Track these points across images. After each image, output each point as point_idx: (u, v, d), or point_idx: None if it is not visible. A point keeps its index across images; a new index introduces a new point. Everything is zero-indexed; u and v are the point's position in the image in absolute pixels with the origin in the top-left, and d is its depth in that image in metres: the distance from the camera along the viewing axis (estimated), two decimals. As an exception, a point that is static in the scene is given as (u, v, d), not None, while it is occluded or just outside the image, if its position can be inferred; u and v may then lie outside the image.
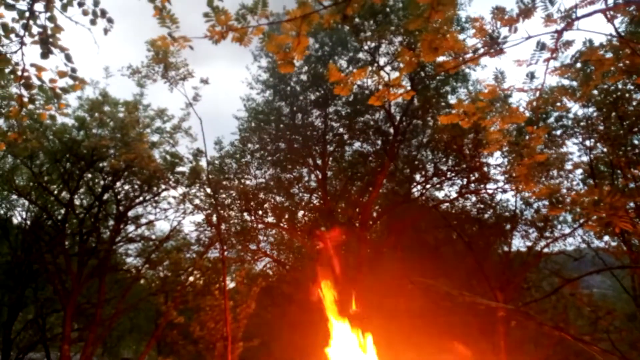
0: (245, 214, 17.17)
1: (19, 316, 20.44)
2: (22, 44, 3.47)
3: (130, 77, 11.65)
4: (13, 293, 18.55)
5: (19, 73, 3.59)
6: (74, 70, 3.75)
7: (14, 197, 18.39)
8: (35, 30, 3.45)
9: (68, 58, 3.67)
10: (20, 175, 16.96)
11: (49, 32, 3.46)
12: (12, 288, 18.48)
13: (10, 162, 16.88)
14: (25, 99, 3.74)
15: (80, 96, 14.44)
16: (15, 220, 19.81)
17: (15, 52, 3.47)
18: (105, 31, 3.62)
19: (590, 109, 12.56)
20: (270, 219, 17.96)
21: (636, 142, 11.56)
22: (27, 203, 17.79)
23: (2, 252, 19.17)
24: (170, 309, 13.94)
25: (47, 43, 3.46)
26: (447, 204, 18.15)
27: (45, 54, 3.51)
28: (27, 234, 18.21)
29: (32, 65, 3.66)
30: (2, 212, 19.21)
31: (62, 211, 16.34)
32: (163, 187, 15.91)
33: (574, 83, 10.75)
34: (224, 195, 16.45)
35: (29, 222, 18.54)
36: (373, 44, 15.40)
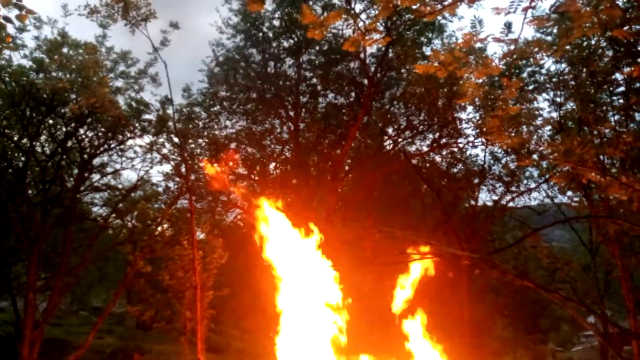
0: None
1: (-19, 265, 20.02)
2: (-43, -37, 3.08)
3: (89, 17, 10.89)
4: (-25, 242, 18.05)
5: (-45, -3, 3.22)
6: (18, -3, 3.40)
7: (-29, 143, 17.54)
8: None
9: (11, -17, 3.31)
10: (-24, 120, 16.09)
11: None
12: (-27, 237, 17.96)
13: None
14: (-36, 28, 3.39)
15: (38, 36, 13.54)
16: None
17: (-52, -29, 3.08)
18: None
19: (563, 65, 12.59)
20: (242, 171, 17.77)
21: (605, 98, 11.71)
22: (-15, 150, 17.01)
23: (-40, 200, 18.45)
24: (137, 258, 13.82)
25: (-15, -36, 3.09)
26: (418, 158, 18.29)
27: (-16, -23, 3.15)
28: (-14, 181, 17.53)
29: (-31, -11, 3.28)
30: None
31: (23, 159, 15.67)
32: (129, 135, 15.38)
33: (549, 38, 10.70)
34: (192, 145, 16.08)
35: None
36: (349, -10, 14.87)
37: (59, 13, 12.76)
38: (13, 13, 3.70)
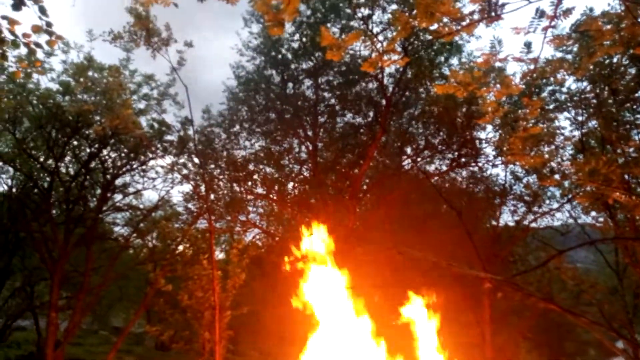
0: (234, 184, 17.03)
1: (6, 284, 20.37)
2: (-9, -7, 3.24)
3: (112, 43, 11.25)
4: (0, 261, 18.42)
5: (-11, 26, 3.37)
6: (49, 24, 3.53)
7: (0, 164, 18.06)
8: (5, -22, 3.21)
9: (42, 11, 3.44)
10: (5, 142, 16.57)
11: (21, -19, 3.23)
12: (-1, 256, 18.35)
13: (-7, 128, 16.48)
14: (-3, 54, 3.53)
15: (65, 60, 14.01)
16: (0, 188, 19.53)
17: (-16, 1, 3.24)
18: (82, -18, 3.38)
19: (584, 83, 12.45)
20: (260, 190, 17.86)
21: (628, 116, 11.50)
22: (12, 170, 17.47)
23: (-13, 219, 18.92)
24: (158, 277, 13.91)
25: (19, -7, 3.23)
26: (437, 178, 18.15)
27: (17, 6, 3.29)
28: (13, 202, 17.95)
29: (3, 17, 3.43)
30: (-14, 179, 18.87)
31: (48, 179, 16.05)
32: (150, 155, 15.65)
33: (569, 56, 10.61)
34: (212, 166, 16.25)
35: (14, 190, 18.26)
36: (367, 11, 15.04)
37: (85, 38, 13.20)
38: (43, 39, 3.85)
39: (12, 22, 3.46)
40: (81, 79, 13.09)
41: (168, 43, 11.19)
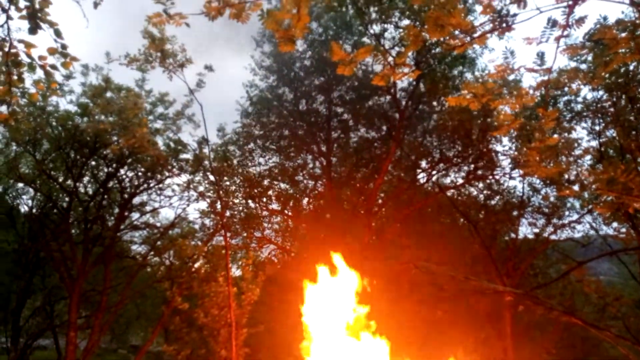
0: (249, 201, 17.09)
1: (27, 303, 20.63)
2: (9, 17, 3.33)
3: (128, 66, 11.48)
4: (21, 280, 18.69)
5: (7, 49, 3.46)
6: (64, 46, 3.61)
7: (20, 185, 18.43)
8: (22, 4, 3.31)
9: (57, 34, 3.53)
10: (25, 163, 16.93)
11: (37, 6, 3.32)
12: (20, 276, 18.62)
13: (14, 149, 16.86)
14: (14, 77, 3.62)
15: (84, 82, 14.34)
16: (22, 209, 19.91)
17: (1, 25, 3.33)
18: (95, 4, 3.47)
19: (600, 92, 12.29)
20: (275, 206, 17.88)
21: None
22: (32, 191, 17.82)
23: (9, 240, 19.26)
24: (175, 295, 13.94)
25: (35, 18, 3.32)
26: (453, 191, 17.98)
27: (33, 29, 3.37)
28: (33, 222, 18.27)
29: (20, 41, 3.53)
30: (9, 200, 19.27)
31: (67, 199, 16.32)
32: (167, 174, 15.82)
33: (583, 66, 10.50)
34: (227, 183, 16.35)
35: (35, 211, 18.59)
36: (378, 28, 15.13)
37: (103, 59, 13.51)
38: (59, 61, 3.94)
39: (28, 45, 3.56)
40: (99, 101, 13.35)
41: (183, 65, 11.38)
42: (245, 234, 17.04)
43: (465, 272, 14.86)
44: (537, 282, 17.30)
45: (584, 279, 15.94)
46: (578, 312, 16.38)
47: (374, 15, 14.52)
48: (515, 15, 5.05)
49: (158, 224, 17.82)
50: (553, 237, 16.67)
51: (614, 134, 12.10)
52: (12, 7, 3.29)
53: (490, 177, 16.74)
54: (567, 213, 16.32)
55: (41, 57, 3.64)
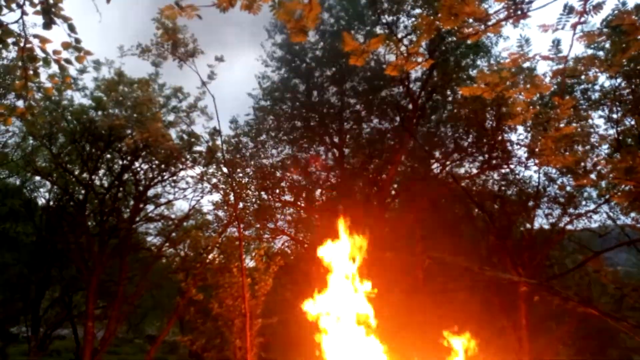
0: (262, 192, 17.15)
1: (46, 294, 21.05)
2: (24, 13, 3.36)
3: (141, 56, 11.53)
4: (39, 272, 19.05)
5: (22, 45, 3.50)
6: (77, 40, 3.64)
7: (37, 178, 18.74)
8: (36, -1, 3.33)
9: (71, 28, 3.55)
10: (42, 157, 17.19)
11: (51, 1, 3.35)
12: (38, 267, 18.98)
13: (31, 143, 17.13)
14: (30, 72, 3.66)
15: (97, 77, 14.46)
16: (39, 202, 20.26)
17: (17, 21, 3.36)
18: (108, -1, 3.48)
19: (618, 80, 12.03)
20: (288, 198, 17.92)
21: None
22: (49, 184, 18.10)
23: (27, 232, 19.62)
24: (190, 286, 14.10)
25: (49, 13, 3.34)
26: (467, 181, 17.83)
27: (47, 24, 3.40)
28: (50, 214, 18.58)
29: (35, 36, 3.56)
30: (26, 193, 19.61)
31: (83, 192, 16.55)
32: (181, 166, 15.94)
33: (601, 53, 10.27)
34: (240, 174, 16.42)
35: (52, 203, 18.90)
36: (391, 17, 14.98)
37: (116, 54, 13.57)
38: (73, 55, 3.97)
39: (43, 40, 3.59)
40: (112, 94, 13.46)
41: (194, 54, 11.38)
42: (258, 225, 17.12)
43: (480, 263, 14.77)
44: (553, 273, 17.14)
45: (601, 269, 15.75)
46: (595, 303, 16.21)
47: (386, 5, 14.36)
48: (530, 2, 4.95)
49: (173, 216, 18.02)
50: (569, 227, 16.46)
51: (632, 122, 11.87)
52: (27, 3, 3.32)
53: (505, 166, 16.55)
54: (583, 203, 16.08)
55: (55, 52, 3.67)
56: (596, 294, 17.51)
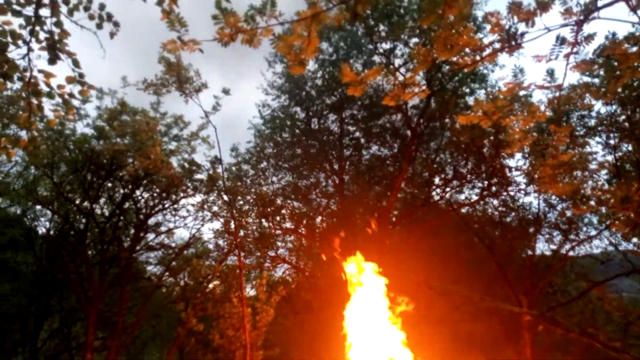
0: (262, 220, 17.13)
1: (44, 325, 20.77)
2: (30, 49, 3.46)
3: (146, 91, 11.77)
4: (39, 302, 18.86)
5: (27, 80, 3.59)
6: (81, 75, 3.74)
7: (39, 207, 18.77)
8: (42, 36, 3.44)
9: (75, 63, 3.65)
10: (43, 186, 17.27)
11: (56, 37, 3.45)
12: (38, 297, 18.80)
13: (33, 173, 17.23)
14: (34, 105, 3.74)
15: (99, 106, 14.67)
16: (40, 231, 20.23)
17: (23, 57, 3.46)
18: (112, 35, 3.59)
19: (614, 106, 12.18)
20: (288, 225, 17.89)
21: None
22: (50, 213, 18.11)
23: (27, 262, 19.52)
24: (190, 316, 13.95)
25: (54, 49, 3.45)
26: (468, 207, 17.82)
27: (52, 60, 3.50)
28: (51, 243, 18.52)
29: (40, 71, 3.66)
30: (27, 222, 19.60)
31: (84, 220, 16.55)
32: (182, 194, 15.99)
33: (596, 80, 10.43)
34: (241, 202, 16.45)
35: (52, 232, 18.87)
36: (388, 46, 15.27)
37: (120, 83, 13.82)
38: (76, 89, 4.06)
39: (47, 75, 3.69)
40: (114, 123, 13.64)
41: (200, 89, 11.65)
42: (259, 253, 17.05)
43: (481, 290, 14.63)
44: (556, 300, 16.92)
45: (604, 297, 15.59)
46: (600, 331, 15.96)
47: (382, 34, 14.65)
48: (523, 33, 5.07)
49: (173, 245, 17.98)
50: (571, 253, 16.35)
51: (630, 148, 11.95)
52: (33, 39, 3.42)
53: (505, 193, 16.57)
54: (584, 229, 16.02)
55: (60, 86, 3.77)
56: (601, 321, 17.24)
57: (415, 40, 14.61)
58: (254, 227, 17.06)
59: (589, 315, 16.37)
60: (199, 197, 15.78)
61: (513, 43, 5.13)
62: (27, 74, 3.56)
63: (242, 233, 15.86)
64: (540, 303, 16.31)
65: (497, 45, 5.28)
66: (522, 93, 6.92)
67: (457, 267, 16.47)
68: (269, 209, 17.11)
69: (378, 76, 6.01)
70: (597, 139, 12.97)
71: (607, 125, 12.47)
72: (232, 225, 15.00)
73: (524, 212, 16.94)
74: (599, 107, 12.71)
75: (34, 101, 3.70)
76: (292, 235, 18.50)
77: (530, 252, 16.87)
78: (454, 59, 5.63)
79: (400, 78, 5.79)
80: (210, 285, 15.70)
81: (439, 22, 5.03)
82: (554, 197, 15.37)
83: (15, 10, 3.29)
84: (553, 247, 16.57)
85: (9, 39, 3.39)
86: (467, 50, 5.38)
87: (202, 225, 17.33)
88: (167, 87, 11.56)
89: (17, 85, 3.93)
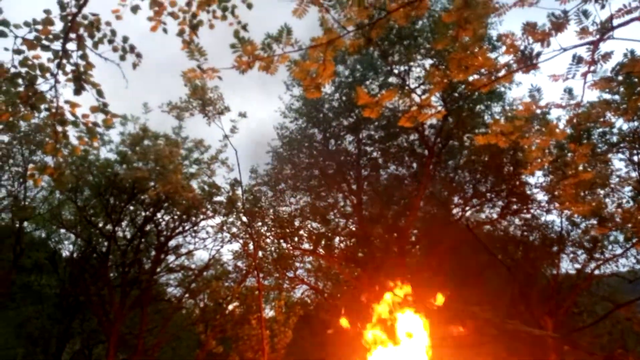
0: (281, 241, 17.16)
1: (66, 347, 20.96)
2: (56, 81, 3.62)
3: (170, 113, 12.07)
4: (61, 324, 19.08)
5: (54, 110, 3.75)
6: (105, 105, 3.88)
7: (62, 231, 19.14)
8: (68, 68, 3.60)
9: (100, 94, 3.80)
10: (67, 209, 17.65)
11: (82, 69, 3.60)
12: (60, 320, 19.03)
13: (57, 197, 17.64)
14: (60, 134, 3.89)
15: (122, 132, 15.02)
16: (63, 254, 20.60)
17: (50, 89, 3.62)
18: (134, 65, 3.73)
19: (636, 122, 11.99)
20: (307, 246, 17.86)
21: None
22: (73, 237, 18.46)
23: (51, 284, 19.84)
24: (209, 338, 13.94)
25: (79, 80, 3.60)
26: (489, 227, 17.57)
27: (78, 91, 3.65)
28: (74, 266, 18.81)
29: (66, 102, 3.81)
30: (51, 245, 19.98)
31: (106, 243, 16.81)
32: (201, 216, 16.16)
33: (617, 97, 10.30)
34: (260, 223, 16.52)
35: (75, 255, 19.19)
36: (403, 68, 15.37)
37: (141, 110, 14.18)
38: (100, 118, 4.21)
39: (73, 105, 3.84)
40: (137, 148, 13.94)
41: (222, 112, 11.92)
42: (277, 275, 17.03)
43: (504, 311, 14.30)
44: (582, 321, 16.44)
45: (633, 317, 15.09)
46: (630, 353, 15.40)
47: (397, 57, 14.78)
48: (539, 54, 5.07)
49: (193, 266, 18.09)
50: (597, 272, 15.93)
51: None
52: (59, 72, 3.58)
53: (526, 211, 16.32)
54: (610, 247, 15.62)
55: (84, 115, 3.91)
56: (631, 343, 16.66)
57: (430, 61, 14.70)
58: (273, 248, 17.10)
59: (618, 336, 15.84)
60: (218, 219, 15.93)
61: (529, 63, 5.14)
62: (54, 104, 3.72)
63: (260, 254, 15.90)
64: (566, 324, 15.87)
65: (513, 66, 5.29)
66: (539, 111, 6.89)
67: (480, 287, 16.18)
68: (287, 230, 17.15)
69: (393, 98, 6.06)
70: (620, 155, 12.76)
71: (630, 142, 12.27)
72: (251, 247, 15.07)
73: (547, 230, 16.63)
74: (620, 123, 12.54)
75: (60, 129, 3.86)
76: (311, 256, 18.46)
77: (554, 272, 16.50)
78: (470, 79, 5.66)
79: (417, 99, 5.84)
80: (230, 307, 15.71)
81: (453, 44, 5.08)
82: (577, 215, 15.07)
83: (44, 45, 3.46)
84: (577, 266, 16.20)
85: (38, 72, 3.55)
86: (482, 70, 5.40)
87: (222, 246, 17.46)
88: (190, 110, 11.85)
89: (44, 113, 4.11)
